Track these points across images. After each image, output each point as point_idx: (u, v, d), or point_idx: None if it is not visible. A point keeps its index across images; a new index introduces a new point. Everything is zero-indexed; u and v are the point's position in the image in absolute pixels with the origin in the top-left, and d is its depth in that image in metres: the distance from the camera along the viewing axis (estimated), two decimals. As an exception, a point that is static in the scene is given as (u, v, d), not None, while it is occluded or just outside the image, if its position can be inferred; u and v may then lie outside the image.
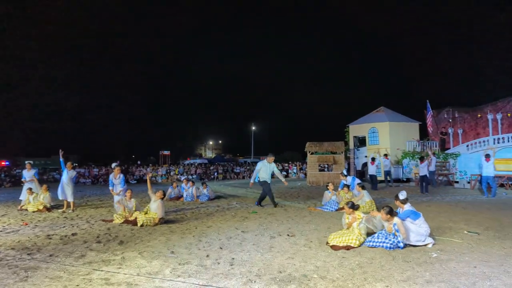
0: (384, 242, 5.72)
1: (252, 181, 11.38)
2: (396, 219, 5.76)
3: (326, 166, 23.82)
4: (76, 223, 8.54)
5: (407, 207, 6.29)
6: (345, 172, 11.88)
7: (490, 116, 20.48)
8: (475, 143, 18.70)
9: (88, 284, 4.28)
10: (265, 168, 10.91)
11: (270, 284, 4.19)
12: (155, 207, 8.32)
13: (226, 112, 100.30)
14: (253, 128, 58.50)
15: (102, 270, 4.79)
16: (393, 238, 5.72)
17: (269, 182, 10.90)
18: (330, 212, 9.73)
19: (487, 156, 13.15)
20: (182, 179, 17.15)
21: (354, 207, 6.36)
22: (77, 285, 4.25)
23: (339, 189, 10.92)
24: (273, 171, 11.14)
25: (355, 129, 22.90)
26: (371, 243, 5.82)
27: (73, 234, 7.19)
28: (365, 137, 22.09)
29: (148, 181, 9.38)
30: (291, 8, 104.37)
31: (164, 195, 8.79)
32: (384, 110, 22.81)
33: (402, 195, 6.35)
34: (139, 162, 35.43)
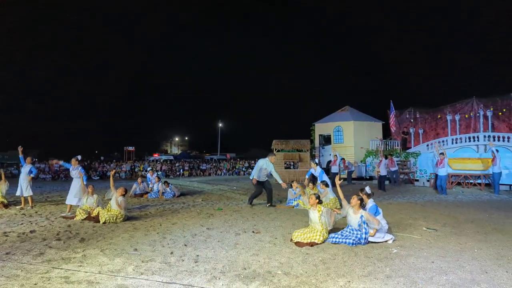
0: (347, 238, 5.85)
1: (255, 177, 10.51)
2: (362, 211, 5.94)
3: (292, 163, 24.06)
4: (35, 220, 8.25)
5: (371, 202, 6.48)
6: (316, 161, 11.98)
7: (449, 117, 21.29)
8: (435, 142, 19.46)
9: (46, 283, 4.15)
10: (265, 167, 10.48)
11: (235, 281, 4.20)
12: (116, 204, 8.17)
13: (193, 108, 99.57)
14: (220, 125, 58.28)
15: (61, 268, 4.65)
16: (356, 232, 5.87)
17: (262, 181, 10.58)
18: (295, 209, 9.86)
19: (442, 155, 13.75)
20: (148, 170, 16.84)
21: (320, 199, 6.52)
22: (35, 284, 4.11)
23: (306, 176, 11.25)
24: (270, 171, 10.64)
25: (321, 128, 23.25)
26: (334, 239, 5.93)
27: (31, 231, 6.95)
28: (330, 135, 22.47)
29: (111, 177, 9.15)
30: (260, 4, 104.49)
31: (126, 191, 8.60)
32: (349, 109, 23.28)
33: (368, 189, 6.56)
34: (102, 158, 34.57)
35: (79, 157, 9.92)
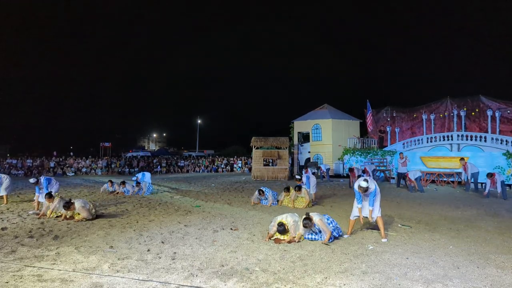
0: (322, 235, 5.91)
1: None
2: (316, 220, 5.95)
3: (271, 160, 24.13)
4: (6, 217, 8.03)
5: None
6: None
7: (424, 116, 21.71)
8: (411, 141, 19.86)
9: (18, 281, 4.04)
10: None
11: (212, 278, 4.18)
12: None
13: (171, 104, 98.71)
14: (199, 121, 57.75)
15: (34, 266, 4.55)
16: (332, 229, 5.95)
17: None
18: (273, 206, 9.86)
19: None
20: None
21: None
22: (7, 282, 4.00)
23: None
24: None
25: (300, 125, 23.40)
26: (310, 237, 5.98)
27: (2, 229, 6.77)
28: (308, 133, 22.62)
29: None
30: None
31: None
32: (327, 108, 23.51)
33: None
34: (71, 153, 33.76)
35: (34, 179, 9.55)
